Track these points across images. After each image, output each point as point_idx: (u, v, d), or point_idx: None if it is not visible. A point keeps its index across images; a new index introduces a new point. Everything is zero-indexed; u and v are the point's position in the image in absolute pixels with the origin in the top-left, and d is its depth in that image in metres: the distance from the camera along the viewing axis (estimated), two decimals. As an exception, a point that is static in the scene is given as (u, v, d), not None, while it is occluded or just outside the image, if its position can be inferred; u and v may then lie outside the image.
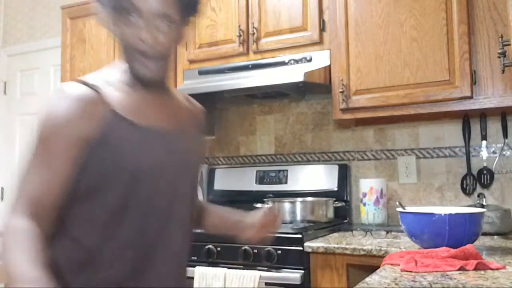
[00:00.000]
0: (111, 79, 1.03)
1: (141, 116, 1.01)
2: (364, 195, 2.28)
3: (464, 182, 2.21)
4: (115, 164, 0.96)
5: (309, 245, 1.86)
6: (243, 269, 1.91)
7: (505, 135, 2.13)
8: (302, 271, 1.84)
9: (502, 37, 1.74)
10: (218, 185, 2.69)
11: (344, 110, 2.16)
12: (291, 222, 2.16)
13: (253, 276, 1.86)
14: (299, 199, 2.29)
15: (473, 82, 1.92)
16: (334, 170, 2.45)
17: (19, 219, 0.89)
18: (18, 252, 0.84)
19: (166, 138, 1.04)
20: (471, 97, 1.92)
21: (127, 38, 0.98)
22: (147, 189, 0.99)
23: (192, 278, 1.94)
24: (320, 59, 2.22)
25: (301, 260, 1.85)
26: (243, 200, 2.54)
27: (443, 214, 1.43)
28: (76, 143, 0.94)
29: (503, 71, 1.75)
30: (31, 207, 0.92)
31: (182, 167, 1.07)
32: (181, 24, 1.03)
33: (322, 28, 2.25)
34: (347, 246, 1.79)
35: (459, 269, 1.20)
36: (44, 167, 0.93)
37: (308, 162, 2.60)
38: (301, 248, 1.87)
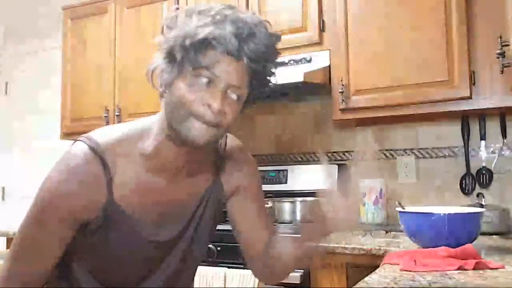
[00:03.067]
0: (131, 147, 0.97)
1: (137, 208, 0.98)
2: (364, 195, 2.28)
3: (463, 182, 2.22)
4: (98, 253, 1.00)
5: (309, 244, 1.87)
6: (243, 269, 1.91)
7: (504, 135, 2.13)
8: (302, 271, 1.85)
9: (501, 37, 1.75)
10: (218, 185, 2.69)
11: (343, 110, 2.17)
12: (291, 222, 2.17)
13: (253, 276, 1.87)
14: (299, 199, 2.29)
15: (472, 82, 1.92)
16: (334, 170, 2.45)
17: None
18: None
19: (148, 232, 1.01)
20: (470, 98, 1.93)
21: (189, 101, 0.89)
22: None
23: (193, 277, 1.95)
24: (319, 59, 2.23)
25: (301, 259, 1.86)
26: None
27: (442, 214, 1.44)
28: (72, 226, 0.95)
29: (502, 72, 1.76)
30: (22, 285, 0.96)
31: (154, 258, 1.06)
32: (243, 101, 0.98)
33: (321, 29, 2.25)
34: (346, 246, 1.80)
35: (458, 269, 1.21)
36: (36, 249, 0.95)
37: (308, 162, 2.61)
38: (301, 248, 1.87)
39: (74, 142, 0.97)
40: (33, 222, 0.94)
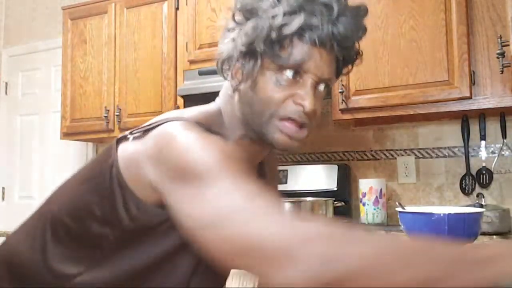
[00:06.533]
0: (211, 129, 0.82)
1: None
2: (364, 195, 2.29)
3: (463, 182, 2.22)
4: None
5: (309, 244, 1.87)
6: (243, 268, 1.91)
7: (504, 135, 2.13)
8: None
9: (501, 37, 1.75)
10: (218, 185, 2.69)
11: (343, 111, 2.17)
12: (291, 222, 2.17)
13: (253, 276, 1.87)
14: (299, 199, 2.29)
15: (472, 82, 1.92)
16: (333, 170, 2.45)
17: None
18: None
19: None
20: (470, 98, 1.93)
21: (277, 101, 0.77)
22: None
23: (193, 277, 1.95)
24: (320, 59, 2.23)
25: (301, 259, 1.86)
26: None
27: (442, 214, 1.44)
28: None
29: (502, 72, 1.76)
30: None
31: None
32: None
33: (322, 29, 2.25)
34: (346, 246, 1.79)
35: (457, 269, 1.21)
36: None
37: (308, 162, 2.61)
38: (301, 248, 1.87)
39: (165, 124, 0.76)
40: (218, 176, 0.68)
